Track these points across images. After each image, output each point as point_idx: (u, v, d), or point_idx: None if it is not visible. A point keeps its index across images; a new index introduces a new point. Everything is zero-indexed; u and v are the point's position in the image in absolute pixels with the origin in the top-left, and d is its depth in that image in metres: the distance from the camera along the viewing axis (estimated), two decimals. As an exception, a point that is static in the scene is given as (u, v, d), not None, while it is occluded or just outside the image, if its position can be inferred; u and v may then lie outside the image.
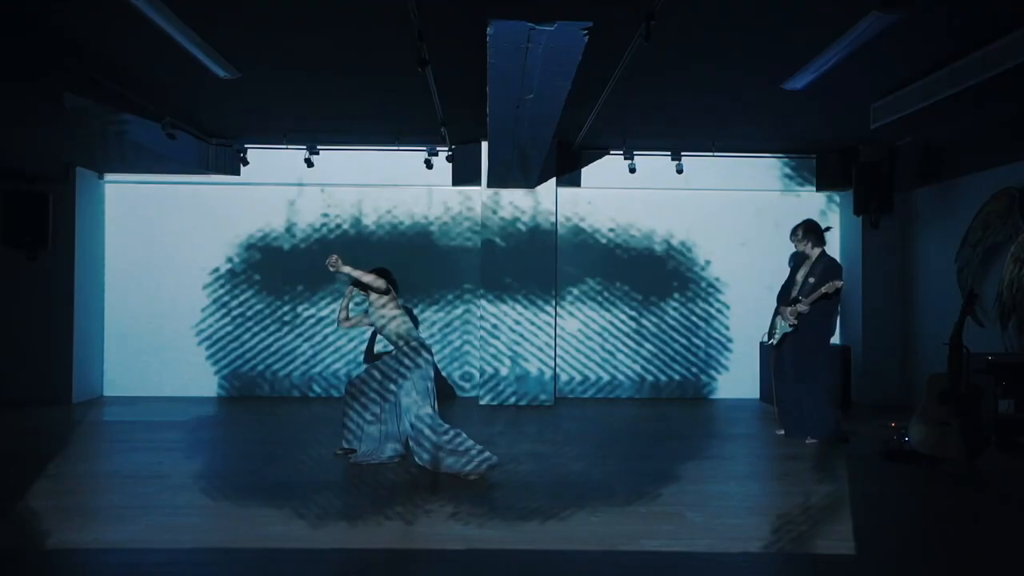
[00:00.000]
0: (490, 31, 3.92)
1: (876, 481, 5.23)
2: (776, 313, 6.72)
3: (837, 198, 9.16)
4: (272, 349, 8.96)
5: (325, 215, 8.98)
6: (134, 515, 4.33)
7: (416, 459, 5.38)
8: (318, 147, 8.47)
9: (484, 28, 3.99)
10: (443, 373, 8.95)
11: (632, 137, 8.26)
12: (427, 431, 5.31)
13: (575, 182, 8.87)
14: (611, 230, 9.08)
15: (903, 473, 5.41)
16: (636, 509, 4.48)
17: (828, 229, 6.78)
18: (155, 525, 4.14)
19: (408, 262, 8.52)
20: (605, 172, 8.85)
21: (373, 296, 5.72)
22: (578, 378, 9.07)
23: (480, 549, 3.83)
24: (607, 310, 9.07)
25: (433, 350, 6.70)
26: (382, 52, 5.50)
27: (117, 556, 3.73)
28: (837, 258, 9.27)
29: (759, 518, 4.39)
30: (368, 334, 8.55)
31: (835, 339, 9.04)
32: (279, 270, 8.97)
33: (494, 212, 8.61)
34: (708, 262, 9.11)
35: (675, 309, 9.10)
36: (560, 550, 3.81)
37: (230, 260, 8.97)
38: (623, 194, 8.99)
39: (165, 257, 8.91)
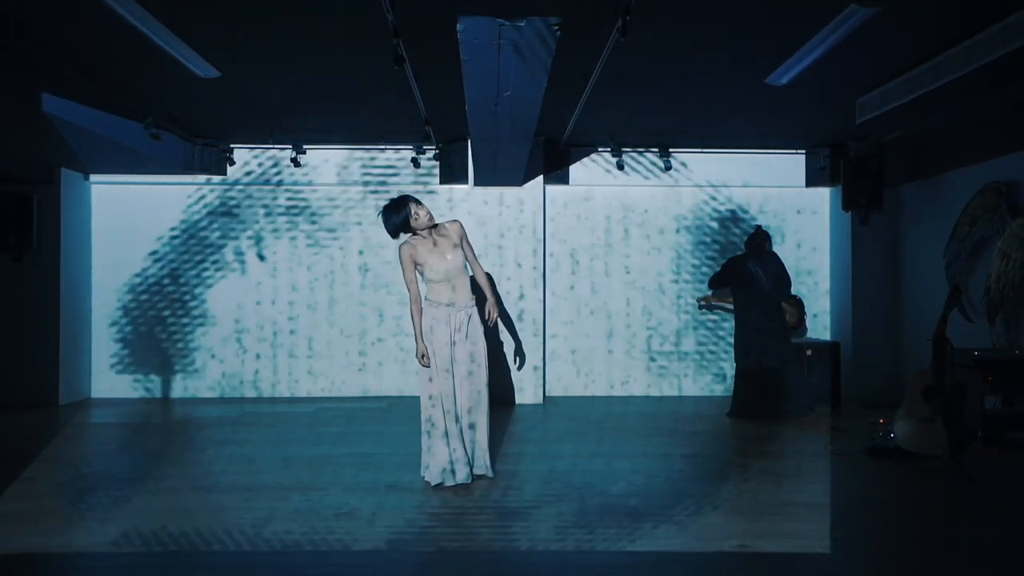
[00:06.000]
0: (460, 28, 3.89)
1: (860, 478, 5.20)
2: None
3: (826, 194, 9.11)
4: (262, 349, 8.93)
5: (314, 214, 8.94)
6: (110, 518, 4.30)
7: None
8: (304, 147, 8.43)
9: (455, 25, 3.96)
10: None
11: (619, 134, 8.22)
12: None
13: (563, 180, 8.83)
14: (601, 227, 9.04)
15: (888, 469, 5.38)
16: (619, 508, 4.45)
17: (757, 231, 7.82)
18: (130, 528, 4.10)
19: (399, 261, 8.41)
20: (593, 169, 8.82)
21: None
22: (569, 376, 9.02)
23: (461, 550, 3.80)
24: (600, 307, 9.03)
25: None
26: (362, 49, 5.44)
27: (90, 560, 3.71)
28: (827, 255, 9.26)
29: (738, 516, 4.35)
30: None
31: (825, 335, 9.04)
32: (272, 270, 8.93)
33: (483, 211, 8.58)
34: (699, 259, 9.07)
35: (671, 307, 9.06)
36: (540, 551, 3.78)
37: (222, 260, 8.93)
38: (613, 191, 8.95)
39: (152, 258, 8.88)
